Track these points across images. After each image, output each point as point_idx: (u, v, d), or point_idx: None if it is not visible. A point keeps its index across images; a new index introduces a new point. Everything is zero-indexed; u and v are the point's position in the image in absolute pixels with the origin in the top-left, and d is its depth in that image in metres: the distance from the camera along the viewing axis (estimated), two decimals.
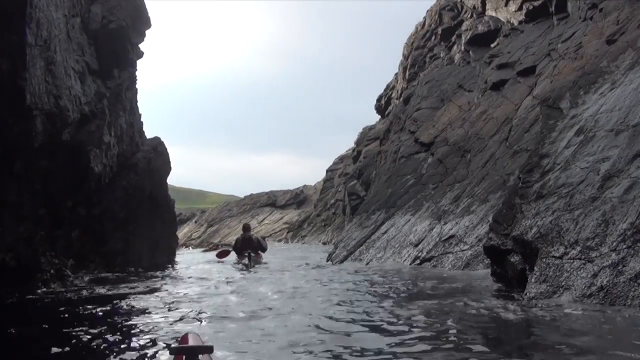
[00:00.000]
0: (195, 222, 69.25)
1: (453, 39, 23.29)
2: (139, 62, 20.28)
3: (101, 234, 17.41)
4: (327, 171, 49.87)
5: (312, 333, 4.72)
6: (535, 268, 5.91)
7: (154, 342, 4.52)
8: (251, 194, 69.97)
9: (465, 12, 23.92)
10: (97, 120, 15.88)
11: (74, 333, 4.84)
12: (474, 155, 13.80)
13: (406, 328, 4.81)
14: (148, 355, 4.12)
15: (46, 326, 5.58)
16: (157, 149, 21.27)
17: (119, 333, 5.01)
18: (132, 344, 4.51)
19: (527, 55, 17.03)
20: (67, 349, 4.34)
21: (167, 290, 8.83)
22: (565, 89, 9.55)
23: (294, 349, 4.14)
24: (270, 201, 64.72)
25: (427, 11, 34.23)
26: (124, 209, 18.50)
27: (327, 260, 14.86)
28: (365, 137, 30.58)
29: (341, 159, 49.65)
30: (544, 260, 5.87)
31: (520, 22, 19.82)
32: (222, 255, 18.62)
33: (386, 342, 4.29)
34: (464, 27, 23.04)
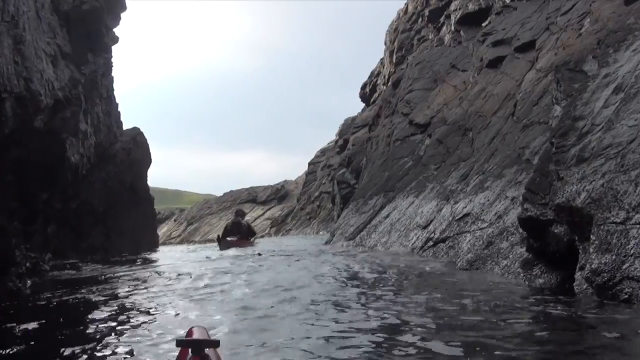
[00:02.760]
0: (175, 220, 67.85)
1: (441, 20, 22.62)
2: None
3: (79, 229, 16.38)
4: (309, 164, 49.07)
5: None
6: (592, 237, 5.18)
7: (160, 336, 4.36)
8: (231, 191, 68.76)
9: None
10: (72, 106, 14.85)
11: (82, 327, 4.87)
12: (478, 132, 13.11)
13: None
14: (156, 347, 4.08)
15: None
16: (137, 139, 20.23)
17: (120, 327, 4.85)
18: (136, 338, 4.35)
19: (524, 30, 16.40)
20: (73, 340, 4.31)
21: (160, 284, 7.95)
22: (586, 52, 8.87)
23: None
24: (251, 197, 63.63)
25: None
26: (104, 202, 17.49)
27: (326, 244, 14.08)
28: (352, 125, 29.83)
29: (323, 151, 48.88)
30: (602, 227, 5.13)
31: None
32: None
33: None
34: (452, 7, 22.37)
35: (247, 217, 58.06)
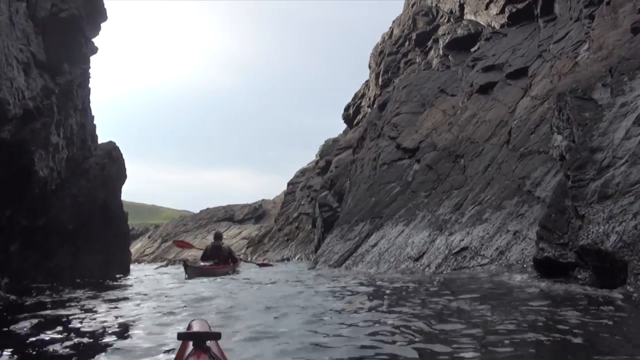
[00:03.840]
0: (149, 237, 66.27)
1: (429, 44, 22.19)
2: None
3: (46, 248, 15.31)
4: (289, 184, 48.24)
5: None
6: (628, 288, 4.51)
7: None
8: (207, 208, 67.55)
9: (442, 16, 22.90)
10: (43, 117, 13.90)
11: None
12: (470, 160, 12.51)
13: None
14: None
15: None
16: (112, 154, 19.23)
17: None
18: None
19: (516, 57, 16.00)
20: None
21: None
22: (594, 79, 8.33)
23: None
24: (228, 215, 62.54)
25: (394, 20, 33.36)
26: (74, 220, 16.42)
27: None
28: (334, 147, 29.18)
29: (303, 172, 48.15)
30: None
31: (502, 26, 18.85)
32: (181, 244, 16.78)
33: None
34: (440, 31, 21.98)
35: (223, 236, 56.95)
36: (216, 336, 2.63)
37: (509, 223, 8.53)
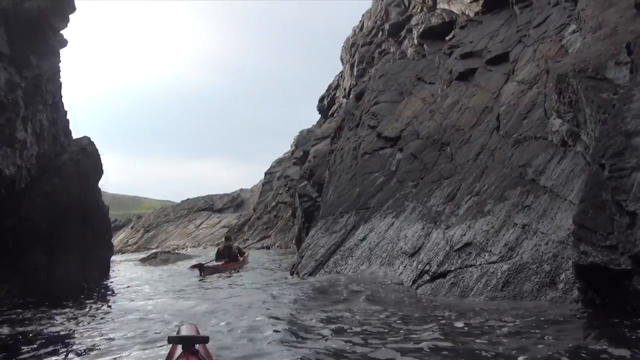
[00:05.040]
0: (132, 227, 64.03)
1: (402, 33, 20.91)
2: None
3: (17, 249, 13.66)
4: (266, 174, 46.71)
5: None
6: None
7: None
8: (188, 199, 65.59)
9: (414, 6, 21.58)
10: (7, 112, 12.20)
11: None
12: (458, 147, 11.30)
13: None
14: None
15: None
16: (87, 149, 17.44)
17: None
18: None
19: (495, 43, 14.82)
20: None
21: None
22: (604, 58, 7.14)
23: None
24: (207, 205, 60.69)
25: (364, 14, 32.00)
26: (47, 219, 14.72)
27: (292, 274, 11.90)
28: (312, 137, 27.76)
29: (279, 162, 46.66)
30: None
31: (476, 13, 17.66)
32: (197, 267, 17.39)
33: None
34: (413, 21, 20.70)
35: (203, 225, 55.14)
36: (204, 340, 2.60)
37: (515, 215, 7.33)
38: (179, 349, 2.55)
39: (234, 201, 59.05)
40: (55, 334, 5.81)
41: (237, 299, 8.41)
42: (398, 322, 5.44)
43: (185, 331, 2.91)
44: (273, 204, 37.51)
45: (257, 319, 6.06)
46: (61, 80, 16.77)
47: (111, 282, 14.59)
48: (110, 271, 17.40)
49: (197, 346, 2.55)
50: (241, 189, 63.37)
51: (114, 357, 4.38)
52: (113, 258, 19.60)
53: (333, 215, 12.83)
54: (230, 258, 16.63)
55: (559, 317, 4.78)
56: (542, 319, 4.78)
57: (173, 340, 2.62)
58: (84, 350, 4.85)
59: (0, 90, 12.08)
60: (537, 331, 4.32)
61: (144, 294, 10.66)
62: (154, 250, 32.32)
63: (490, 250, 7.00)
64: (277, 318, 6.07)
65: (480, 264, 6.88)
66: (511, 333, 4.35)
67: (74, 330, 6.01)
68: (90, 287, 12.85)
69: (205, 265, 15.22)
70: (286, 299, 7.97)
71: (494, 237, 7.22)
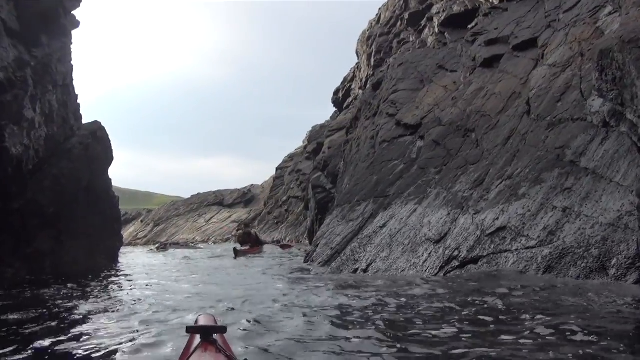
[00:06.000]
0: (142, 221, 63.86)
1: (423, 22, 20.31)
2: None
3: (23, 233, 13.24)
4: (277, 169, 46.23)
5: None
6: None
7: None
8: (198, 193, 65.30)
9: None
10: (15, 89, 11.77)
11: None
12: (485, 133, 10.70)
13: None
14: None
15: None
16: (97, 134, 16.99)
17: None
18: None
19: (522, 29, 14.18)
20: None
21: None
22: None
23: None
24: (218, 200, 60.33)
25: (381, 7, 31.41)
26: (55, 203, 14.29)
27: (306, 262, 11.38)
28: (326, 129, 27.21)
29: (291, 157, 46.16)
30: None
31: (501, 1, 17.03)
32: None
33: None
34: (434, 10, 20.09)
35: (213, 220, 54.75)
36: (222, 330, 2.66)
37: (554, 198, 6.73)
38: (197, 339, 2.58)
39: (245, 196, 58.64)
40: (69, 317, 5.37)
41: (257, 287, 7.94)
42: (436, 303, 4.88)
43: (203, 321, 2.96)
44: (284, 198, 37.02)
45: (275, 307, 5.57)
46: (72, 63, 16.37)
47: (122, 269, 14.18)
48: (119, 259, 16.99)
49: (215, 336, 2.58)
50: (252, 185, 62.99)
51: (132, 344, 3.91)
52: (122, 250, 19.28)
53: (350, 204, 12.29)
54: (252, 242, 18.93)
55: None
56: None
57: (191, 330, 2.65)
58: (100, 337, 4.38)
59: (9, 67, 11.65)
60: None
61: (160, 278, 10.24)
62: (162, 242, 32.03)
63: (528, 235, 6.41)
64: (297, 306, 5.55)
65: (516, 249, 6.30)
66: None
67: (88, 313, 5.57)
68: (100, 272, 12.41)
69: (238, 250, 17.81)
70: (307, 288, 7.43)
71: (531, 220, 6.63)
